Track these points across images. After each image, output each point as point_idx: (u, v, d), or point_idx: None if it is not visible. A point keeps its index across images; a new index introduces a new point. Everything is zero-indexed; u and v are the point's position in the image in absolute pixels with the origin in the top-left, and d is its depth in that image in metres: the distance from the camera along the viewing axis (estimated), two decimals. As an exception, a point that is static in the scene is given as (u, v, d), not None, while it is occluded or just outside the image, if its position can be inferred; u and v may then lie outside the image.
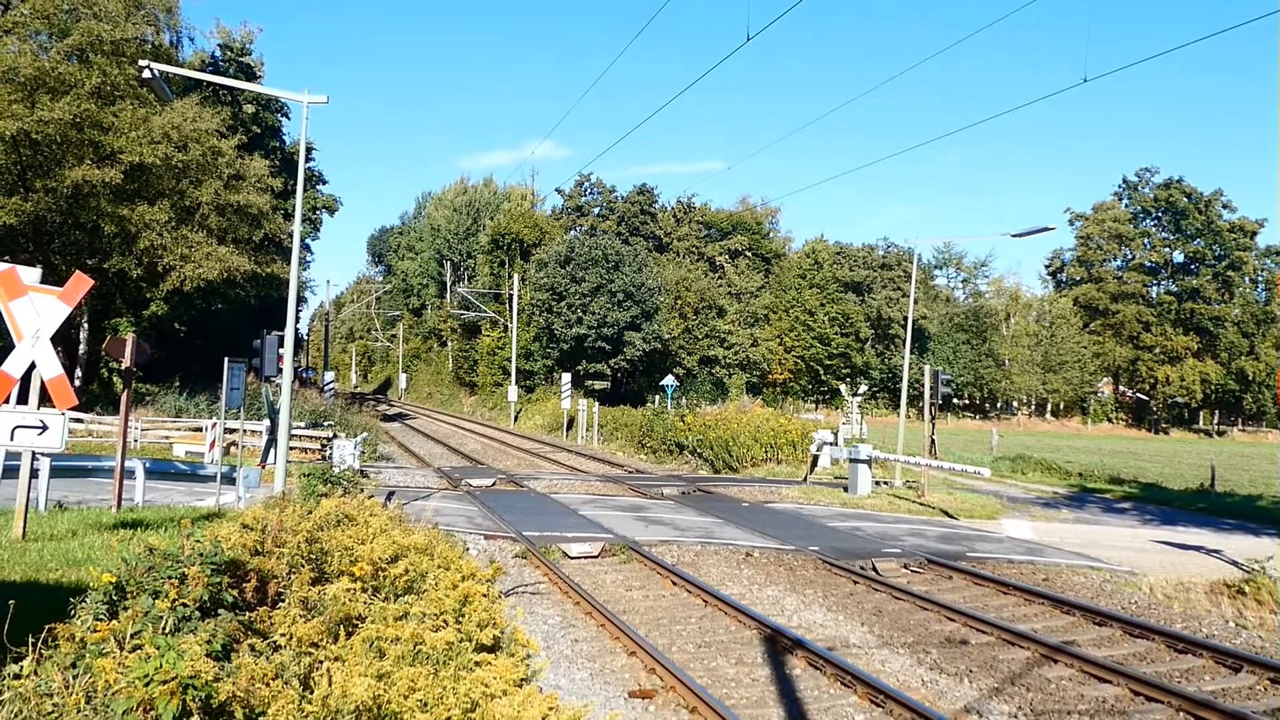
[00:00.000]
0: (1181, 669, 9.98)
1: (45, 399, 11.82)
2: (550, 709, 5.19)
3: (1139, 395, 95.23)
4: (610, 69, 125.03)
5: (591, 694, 8.33)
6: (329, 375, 52.84)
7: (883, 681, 8.75)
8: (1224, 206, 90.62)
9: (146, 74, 16.28)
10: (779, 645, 10.07)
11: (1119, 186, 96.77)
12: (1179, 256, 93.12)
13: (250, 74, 48.01)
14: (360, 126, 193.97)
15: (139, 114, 29.62)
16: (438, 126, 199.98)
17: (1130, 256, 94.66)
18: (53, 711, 3.82)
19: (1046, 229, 25.15)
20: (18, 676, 4.32)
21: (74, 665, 4.43)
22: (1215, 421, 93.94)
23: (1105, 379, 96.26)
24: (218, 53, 47.89)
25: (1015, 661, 9.96)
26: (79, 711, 3.77)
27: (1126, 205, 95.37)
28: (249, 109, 47.54)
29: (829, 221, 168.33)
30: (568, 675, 8.94)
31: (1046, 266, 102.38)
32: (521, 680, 5.86)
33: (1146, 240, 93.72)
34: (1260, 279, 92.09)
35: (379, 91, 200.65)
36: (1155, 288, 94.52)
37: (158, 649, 4.09)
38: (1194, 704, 8.42)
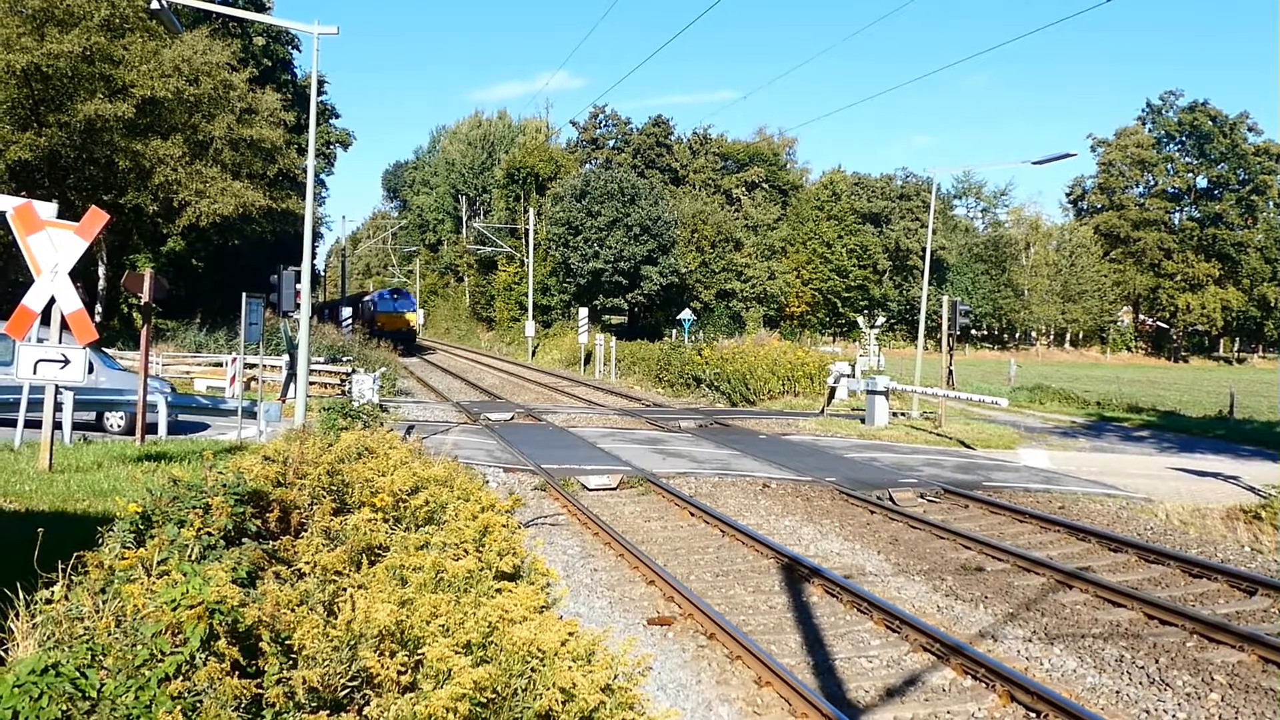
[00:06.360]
0: (1196, 593, 10.04)
1: (66, 334, 11.93)
2: (570, 634, 5.27)
3: (1159, 323, 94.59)
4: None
5: (611, 621, 8.46)
6: (346, 311, 52.91)
7: (898, 608, 8.85)
8: (1249, 130, 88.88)
9: (155, 5, 16.06)
10: (796, 574, 10.18)
11: (1143, 111, 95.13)
12: (1202, 182, 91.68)
13: (259, 4, 47.31)
14: (372, 60, 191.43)
15: (149, 47, 29.30)
16: (450, 58, 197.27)
17: (1153, 183, 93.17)
18: (83, 634, 3.91)
19: (1068, 155, 24.76)
20: (49, 601, 4.43)
21: (103, 591, 4.52)
22: (1235, 349, 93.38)
23: (1125, 308, 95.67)
24: (225, -18, 47.17)
25: (1030, 588, 10.04)
26: (109, 634, 3.86)
27: (1150, 130, 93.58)
28: (259, 41, 46.99)
29: (847, 152, 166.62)
30: (587, 604, 9.07)
31: (1067, 194, 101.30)
32: (541, 607, 5.93)
33: (1169, 166, 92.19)
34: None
35: (390, 23, 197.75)
36: (1177, 214, 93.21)
37: (184, 575, 4.16)
38: (1207, 626, 8.49)
